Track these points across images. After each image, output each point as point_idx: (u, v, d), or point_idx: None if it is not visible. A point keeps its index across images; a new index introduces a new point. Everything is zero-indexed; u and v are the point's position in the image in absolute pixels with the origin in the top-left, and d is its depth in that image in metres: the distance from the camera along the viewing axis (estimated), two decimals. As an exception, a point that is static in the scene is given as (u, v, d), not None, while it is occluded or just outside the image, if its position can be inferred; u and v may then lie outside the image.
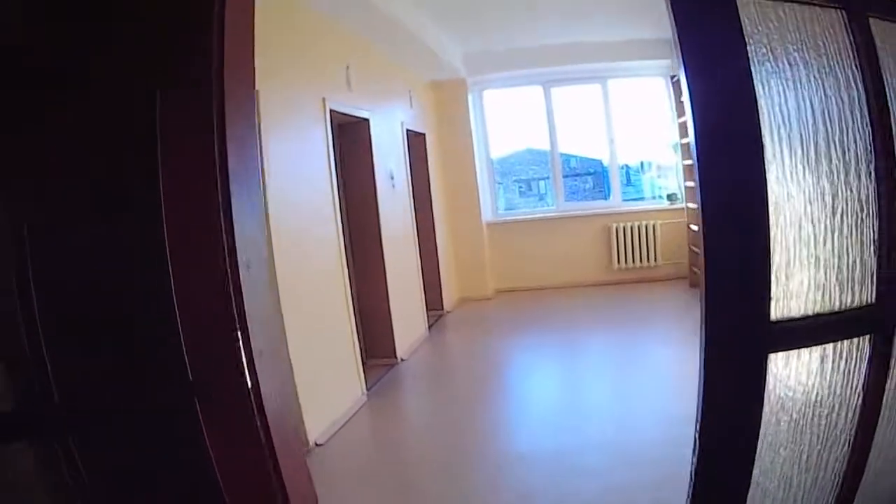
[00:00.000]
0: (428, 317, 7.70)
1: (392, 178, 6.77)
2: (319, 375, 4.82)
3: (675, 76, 8.29)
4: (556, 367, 6.36)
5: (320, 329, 5.00)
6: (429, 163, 8.26)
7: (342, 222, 6.05)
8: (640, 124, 9.58)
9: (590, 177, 10.45)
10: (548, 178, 9.85)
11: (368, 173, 6.27)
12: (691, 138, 1.58)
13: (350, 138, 6.35)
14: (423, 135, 8.25)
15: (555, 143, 9.60)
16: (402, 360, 6.55)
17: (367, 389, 5.62)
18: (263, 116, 4.26)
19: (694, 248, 8.40)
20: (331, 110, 5.43)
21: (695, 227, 8.20)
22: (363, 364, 5.96)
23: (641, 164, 10.28)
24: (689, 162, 8.09)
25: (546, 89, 9.54)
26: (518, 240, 9.60)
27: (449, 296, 8.78)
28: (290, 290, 4.38)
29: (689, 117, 1.55)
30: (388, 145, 6.81)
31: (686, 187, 8.49)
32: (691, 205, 8.30)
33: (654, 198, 9.91)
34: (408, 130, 7.55)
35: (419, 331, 7.32)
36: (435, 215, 8.31)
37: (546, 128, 9.59)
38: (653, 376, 5.59)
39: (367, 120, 6.25)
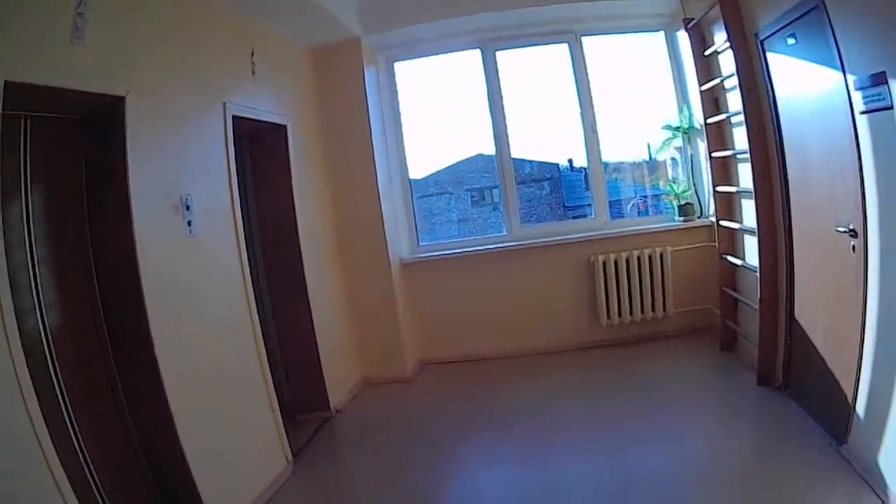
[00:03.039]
0: (291, 436, 4.83)
1: (187, 208, 3.94)
2: None
3: (691, 20, 5.63)
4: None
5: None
6: (292, 174, 5.42)
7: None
8: (628, 101, 6.94)
9: (547, 182, 7.91)
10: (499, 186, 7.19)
11: (121, 203, 3.42)
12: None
13: (94, 138, 3.56)
14: (283, 127, 5.40)
15: (502, 139, 6.85)
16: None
17: None
18: None
19: (729, 291, 5.72)
20: (7, 83, 2.63)
21: (736, 260, 5.54)
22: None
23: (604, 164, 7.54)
24: (725, 153, 5.45)
25: (487, 53, 6.80)
26: (452, 285, 6.80)
27: (340, 385, 5.94)
28: None
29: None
30: (182, 147, 4.01)
31: (716, 193, 5.69)
32: (727, 223, 5.57)
33: (640, 209, 7.30)
34: (243, 120, 4.74)
35: (267, 473, 4.40)
36: (306, 260, 5.46)
37: (489, 118, 6.85)
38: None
39: (119, 99, 3.42)
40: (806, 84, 3.94)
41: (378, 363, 6.52)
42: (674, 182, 6.73)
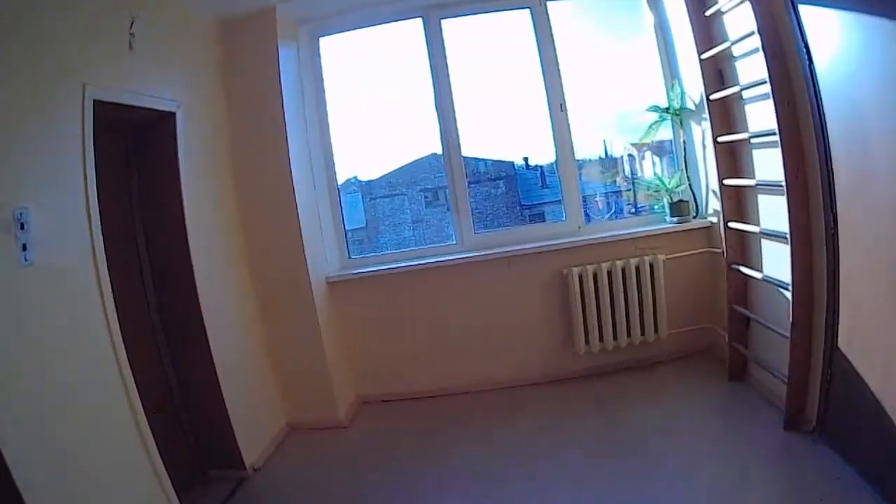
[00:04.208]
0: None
1: (21, 226, 2.92)
2: None
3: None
4: None
5: None
6: (181, 174, 4.37)
7: None
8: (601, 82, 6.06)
9: (501, 181, 7.15)
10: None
11: None
12: None
13: None
14: (170, 115, 4.35)
15: (449, 131, 5.90)
16: None
17: None
18: None
19: (740, 309, 4.83)
20: None
21: (753, 272, 4.61)
22: None
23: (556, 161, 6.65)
24: (737, 137, 4.57)
25: (430, 22, 5.83)
26: (392, 307, 5.79)
27: (259, 435, 4.96)
28: None
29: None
30: (15, 145, 3.00)
31: (723, 188, 4.77)
32: (738, 224, 4.69)
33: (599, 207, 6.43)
34: (116, 107, 3.72)
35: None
36: (200, 284, 4.42)
37: (433, 104, 5.93)
38: None
39: None
40: (863, 44, 3.08)
41: (305, 405, 5.46)
42: (638, 179, 5.87)
